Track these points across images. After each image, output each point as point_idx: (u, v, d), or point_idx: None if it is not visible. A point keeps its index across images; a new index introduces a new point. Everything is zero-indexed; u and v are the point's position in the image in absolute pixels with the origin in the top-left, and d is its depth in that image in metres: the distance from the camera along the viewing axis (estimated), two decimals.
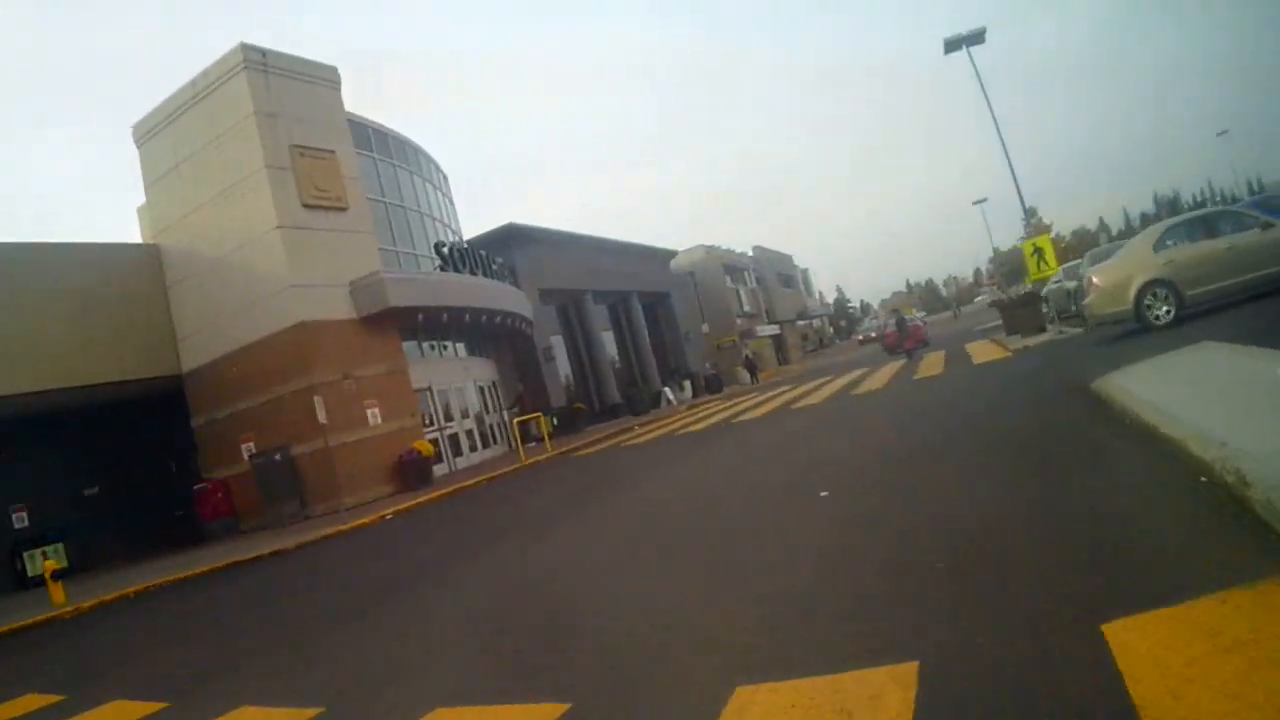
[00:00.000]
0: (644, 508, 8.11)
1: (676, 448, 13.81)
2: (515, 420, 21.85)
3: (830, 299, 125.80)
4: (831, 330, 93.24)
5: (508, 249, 29.29)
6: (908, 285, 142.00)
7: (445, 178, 28.10)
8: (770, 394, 23.04)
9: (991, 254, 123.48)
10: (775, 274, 72.92)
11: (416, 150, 25.21)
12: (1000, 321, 23.07)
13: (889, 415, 10.94)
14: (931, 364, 17.97)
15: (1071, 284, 19.32)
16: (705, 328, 51.67)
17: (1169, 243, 11.90)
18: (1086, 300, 12.84)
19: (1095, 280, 12.53)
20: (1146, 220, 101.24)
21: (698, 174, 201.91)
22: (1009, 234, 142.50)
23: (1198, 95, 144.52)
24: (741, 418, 16.63)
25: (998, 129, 20.66)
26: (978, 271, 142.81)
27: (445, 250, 22.82)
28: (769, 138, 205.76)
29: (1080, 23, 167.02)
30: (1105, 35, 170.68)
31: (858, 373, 22.15)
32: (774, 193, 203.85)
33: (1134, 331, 12.26)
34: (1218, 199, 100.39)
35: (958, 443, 7.05)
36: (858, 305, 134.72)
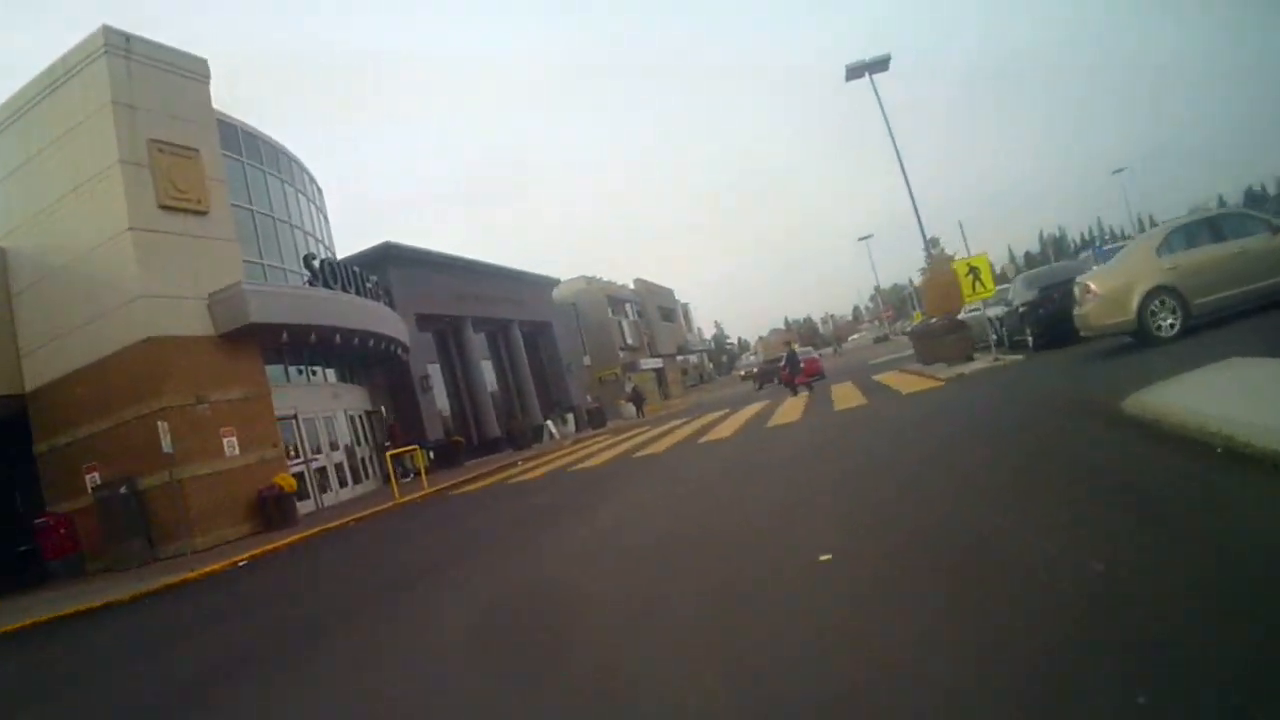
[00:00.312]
0: (542, 594, 5.63)
1: (572, 489, 12.55)
2: (388, 454, 20.39)
3: (709, 334, 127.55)
4: (711, 365, 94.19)
5: (384, 269, 27.80)
6: (786, 322, 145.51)
7: (320, 191, 26.44)
8: (664, 428, 22.40)
9: (873, 291, 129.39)
10: (656, 307, 73.11)
11: (290, 158, 23.54)
12: (912, 351, 23.25)
13: (842, 452, 9.14)
14: (846, 395, 17.22)
15: (997, 311, 19.14)
16: (587, 360, 50.97)
17: (1173, 246, 10.92)
18: (1081, 310, 11.70)
19: (1093, 287, 11.42)
20: (1032, 260, 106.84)
21: (581, 204, 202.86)
22: (891, 272, 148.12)
23: (1094, 133, 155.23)
24: (641, 452, 15.79)
25: (899, 158, 20.90)
26: (857, 309, 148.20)
27: (316, 264, 21.11)
28: (653, 172, 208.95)
29: (980, 60, 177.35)
30: (1002, 74, 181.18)
31: (758, 406, 21.91)
32: (657, 226, 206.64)
33: (1126, 348, 11.28)
34: (1107, 237, 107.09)
35: (987, 491, 5.24)
36: (735, 341, 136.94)
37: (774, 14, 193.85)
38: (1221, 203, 68.91)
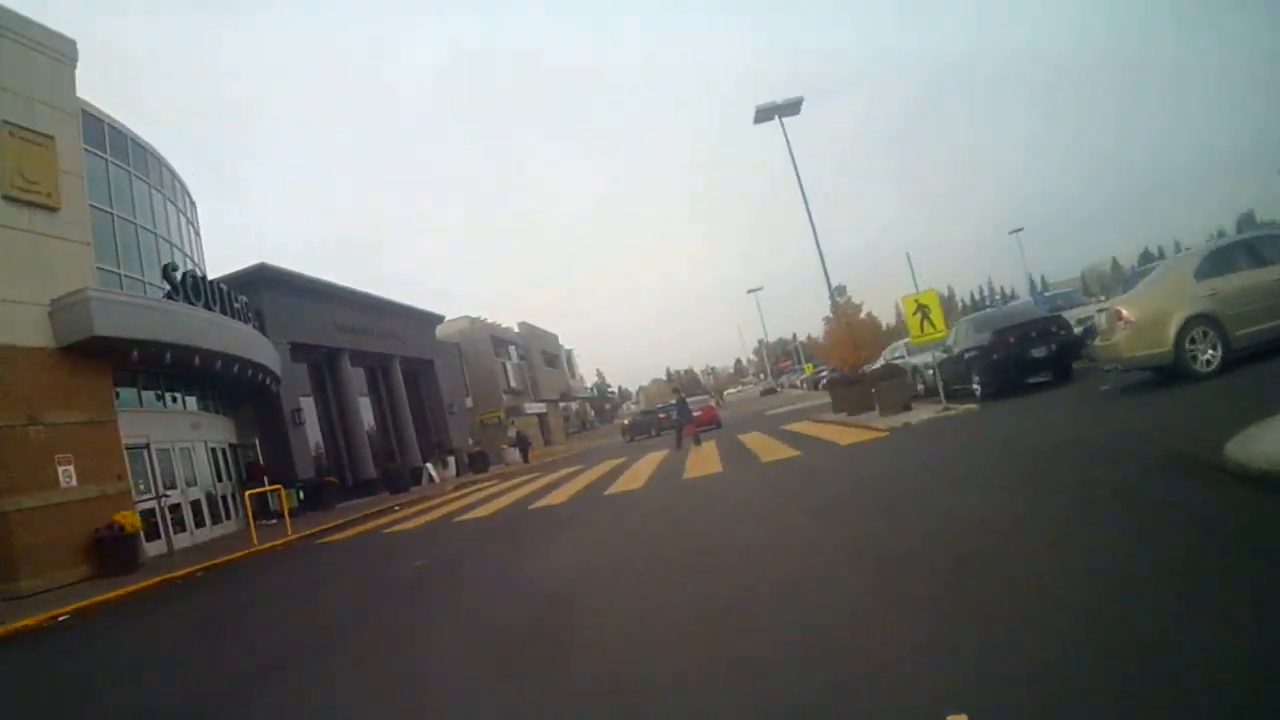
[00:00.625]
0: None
1: (458, 547, 10.76)
2: (247, 493, 18.47)
3: (591, 382, 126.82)
4: (593, 413, 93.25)
5: (257, 293, 25.77)
6: (668, 373, 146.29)
7: (193, 204, 24.36)
8: (556, 475, 21.20)
9: (757, 344, 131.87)
10: (540, 352, 71.93)
11: (161, 163, 21.51)
12: (813, 403, 22.88)
13: (796, 510, 7.66)
14: (765, 446, 15.79)
15: (925, 358, 18.58)
16: (470, 402, 49.25)
17: (1212, 270, 9.84)
18: (1109, 340, 10.49)
19: (1126, 314, 10.13)
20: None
21: (468, 243, 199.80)
22: (776, 326, 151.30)
23: (992, 194, 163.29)
24: (537, 503, 14.31)
25: (806, 205, 20.75)
26: (739, 362, 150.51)
27: (177, 276, 18.92)
28: (541, 218, 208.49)
29: (881, 116, 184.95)
30: (903, 131, 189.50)
31: (659, 455, 21.03)
32: (543, 271, 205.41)
33: (1143, 385, 10.34)
34: (996, 297, 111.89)
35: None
36: (616, 390, 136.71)
37: (665, 63, 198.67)
38: (1115, 265, 73.29)
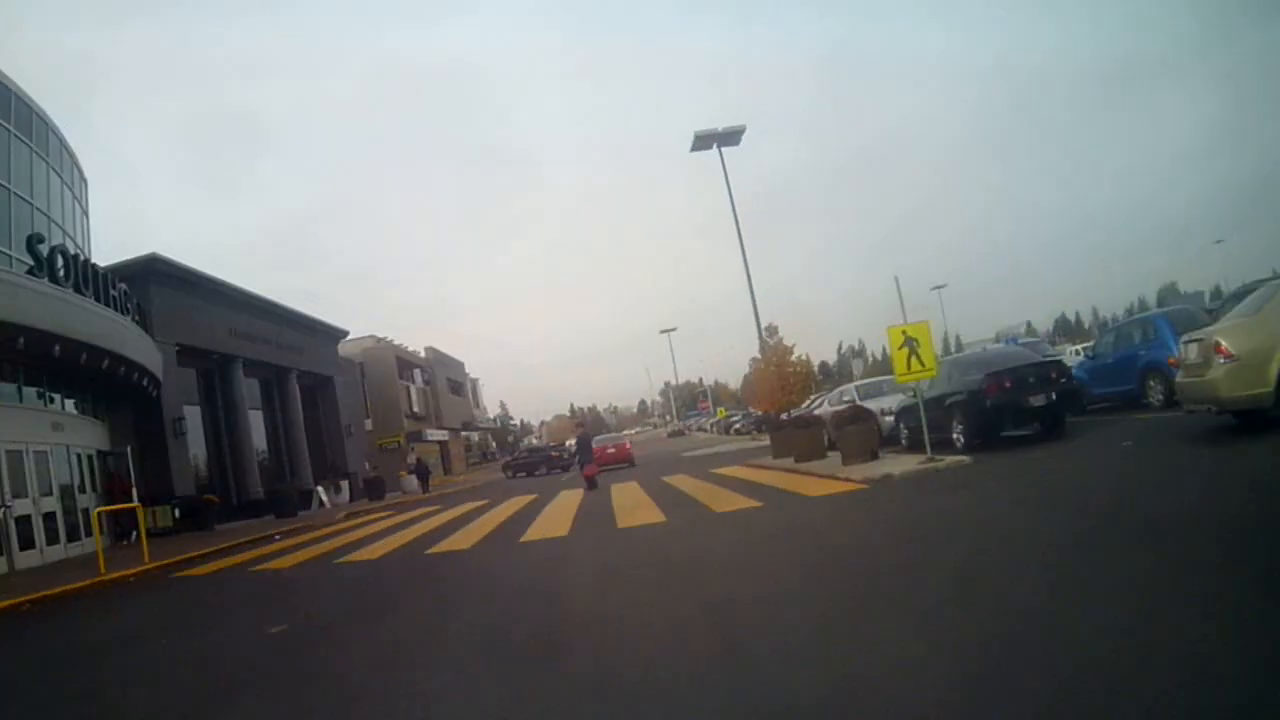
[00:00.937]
0: None
1: (334, 609, 7.95)
2: (96, 510, 16.18)
3: (494, 413, 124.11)
4: (495, 445, 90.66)
5: (145, 286, 23.34)
6: (572, 409, 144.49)
7: (84, 181, 21.91)
8: (458, 510, 19.11)
9: (664, 385, 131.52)
10: (446, 379, 69.62)
11: (50, 128, 19.14)
12: (729, 447, 21.69)
13: (821, 593, 5.42)
14: (705, 492, 13.82)
15: (890, 401, 17.15)
16: (370, 424, 46.72)
17: None
18: (1206, 377, 8.91)
19: (1227, 346, 8.64)
20: (826, 370, 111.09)
21: (380, 263, 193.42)
22: (689, 369, 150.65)
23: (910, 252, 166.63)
24: (438, 546, 11.95)
25: (740, 239, 19.88)
26: (643, 403, 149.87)
27: (44, 249, 16.45)
28: (457, 245, 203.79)
29: (817, 160, 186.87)
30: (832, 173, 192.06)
31: (577, 493, 18.98)
32: (453, 299, 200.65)
33: (1218, 432, 9.21)
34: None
35: None
36: (519, 423, 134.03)
37: (593, 98, 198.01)
38: (1030, 330, 75.23)
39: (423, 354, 64.31)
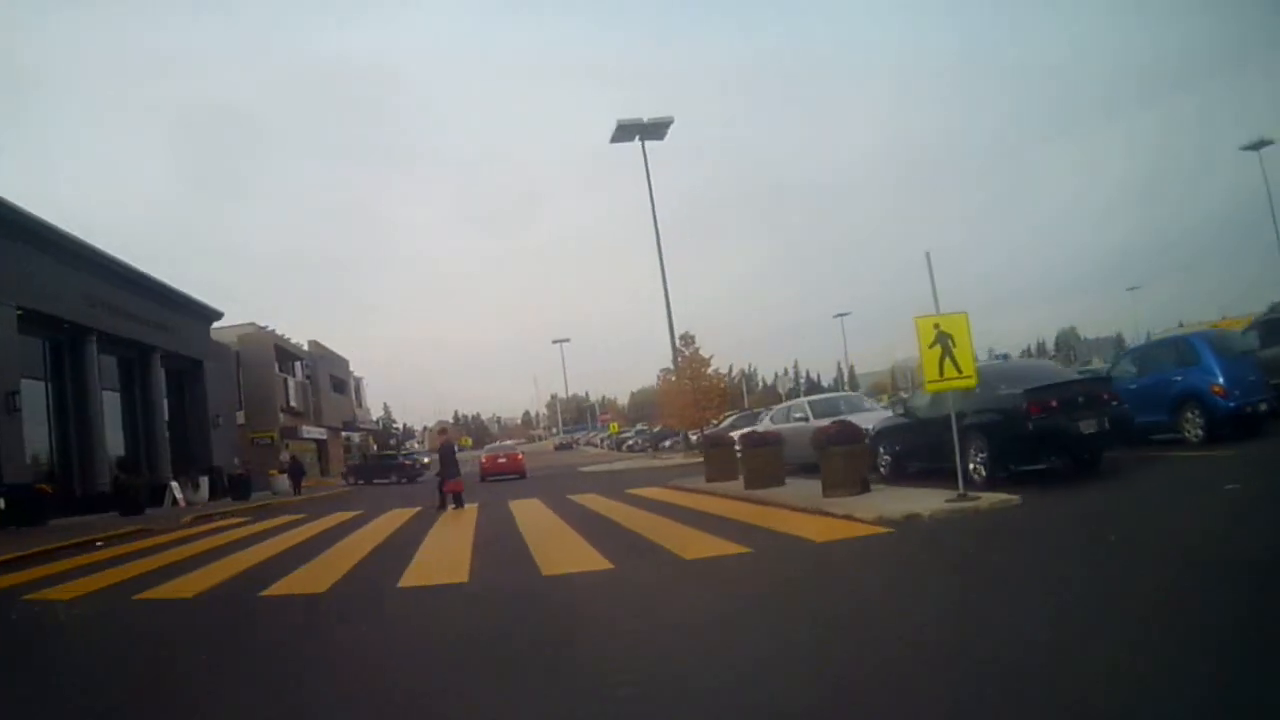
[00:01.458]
0: None
1: (95, 684, 5.10)
2: None
3: (376, 415, 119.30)
4: (375, 447, 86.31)
5: None
6: (456, 417, 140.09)
7: None
8: (326, 522, 16.37)
9: (550, 398, 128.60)
10: (329, 375, 65.51)
11: None
12: (620, 464, 19.91)
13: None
14: (647, 525, 10.90)
15: (874, 418, 15.06)
16: (241, 417, 42.92)
17: None
18: None
19: None
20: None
21: (267, 248, 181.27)
22: (577, 382, 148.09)
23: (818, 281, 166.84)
24: (279, 583, 8.49)
25: (658, 241, 18.30)
26: (528, 414, 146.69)
27: None
28: (349, 238, 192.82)
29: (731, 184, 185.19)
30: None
31: (470, 514, 15.67)
32: (343, 293, 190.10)
33: None
34: (803, 381, 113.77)
35: None
36: (402, 427, 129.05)
37: (502, 86, 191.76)
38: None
39: (306, 347, 60.32)
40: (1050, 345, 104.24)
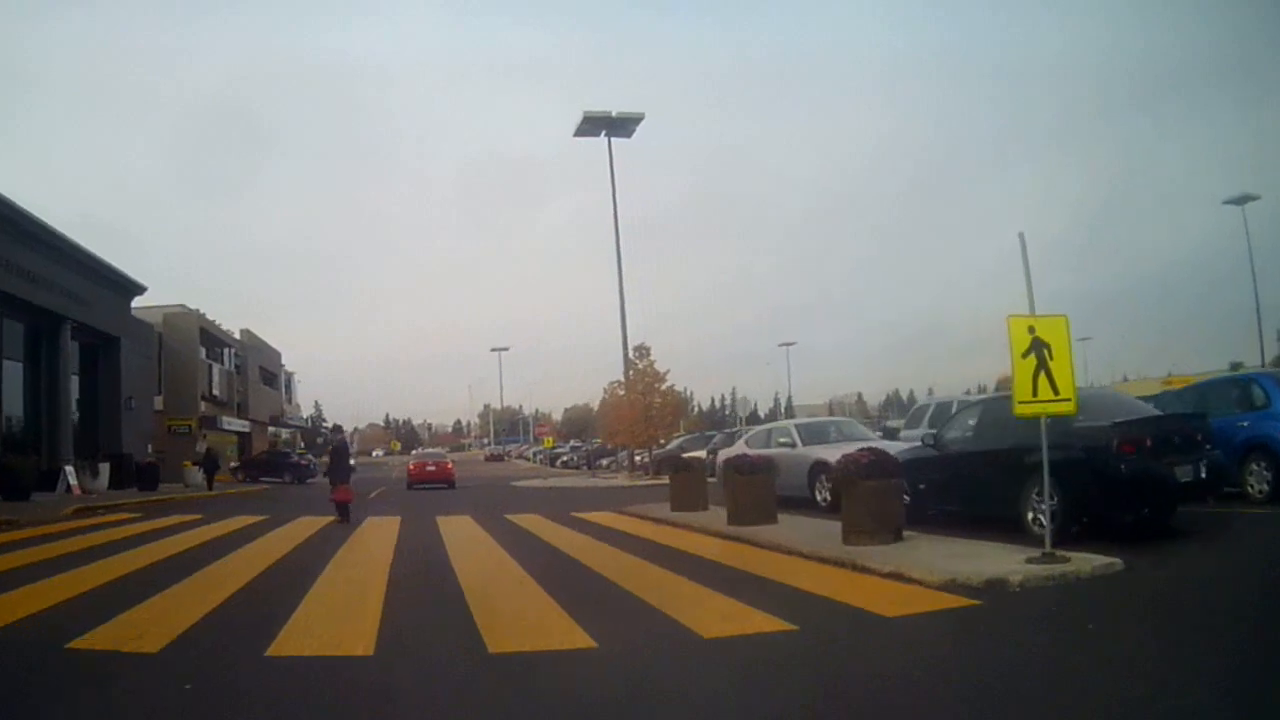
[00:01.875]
0: None
1: None
2: None
3: (307, 412, 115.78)
4: (304, 445, 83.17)
5: None
6: (387, 420, 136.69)
7: None
8: (218, 528, 14.21)
9: (483, 408, 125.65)
10: (259, 367, 62.81)
11: None
12: (552, 479, 18.44)
13: None
14: (622, 568, 8.59)
15: (894, 445, 12.54)
16: (159, 402, 40.39)
17: None
18: None
19: None
20: (712, 416, 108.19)
21: (206, 230, 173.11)
22: (512, 394, 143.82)
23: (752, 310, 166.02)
24: (105, 629, 5.77)
25: (617, 241, 17.05)
26: (459, 423, 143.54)
27: None
28: (300, 226, 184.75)
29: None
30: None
31: (382, 528, 13.87)
32: (280, 282, 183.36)
33: None
34: (750, 414, 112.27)
35: None
36: (330, 425, 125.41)
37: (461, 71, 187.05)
38: (860, 401, 76.29)
39: (237, 335, 57.69)
40: (990, 386, 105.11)
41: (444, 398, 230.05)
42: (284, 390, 73.88)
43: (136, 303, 35.78)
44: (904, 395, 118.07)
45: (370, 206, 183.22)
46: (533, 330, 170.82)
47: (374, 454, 76.29)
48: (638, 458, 32.92)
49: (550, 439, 62.13)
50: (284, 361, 74.40)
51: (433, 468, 33.24)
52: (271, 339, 66.95)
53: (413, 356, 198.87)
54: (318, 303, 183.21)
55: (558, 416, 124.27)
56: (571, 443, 66.17)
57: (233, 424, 47.33)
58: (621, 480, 29.96)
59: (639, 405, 27.64)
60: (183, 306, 42.66)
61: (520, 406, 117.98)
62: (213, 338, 45.65)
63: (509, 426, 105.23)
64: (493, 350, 79.06)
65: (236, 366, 56.95)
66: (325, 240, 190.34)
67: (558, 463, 56.39)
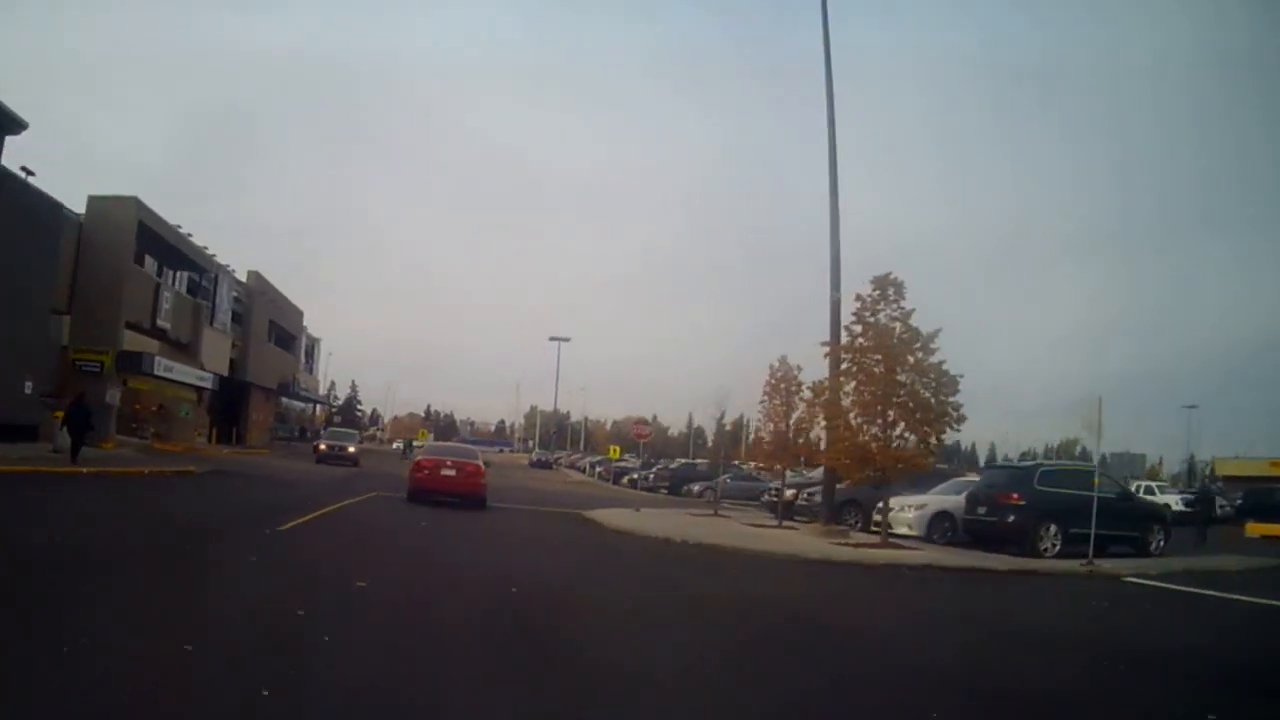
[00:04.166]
0: None
1: None
2: None
3: (342, 392, 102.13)
4: (325, 423, 68.61)
5: None
6: (428, 412, 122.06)
7: None
8: None
9: (529, 409, 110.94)
10: (270, 320, 48.41)
11: None
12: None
13: None
14: None
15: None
16: (67, 325, 25.78)
17: None
18: None
19: None
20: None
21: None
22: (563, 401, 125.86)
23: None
24: None
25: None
26: (502, 423, 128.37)
27: None
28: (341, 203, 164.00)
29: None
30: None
31: None
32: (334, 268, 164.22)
33: None
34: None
35: None
36: (368, 411, 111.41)
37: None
38: None
39: (241, 277, 43.28)
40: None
41: (490, 395, 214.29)
42: (302, 357, 59.34)
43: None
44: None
45: (434, 190, 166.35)
46: (587, 335, 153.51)
47: (394, 445, 61.03)
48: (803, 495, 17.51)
49: (617, 449, 46.53)
50: (308, 324, 60.07)
51: (451, 470, 18.03)
52: (312, 313, 52.74)
53: (461, 349, 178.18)
54: (364, 281, 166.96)
55: (607, 428, 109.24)
56: (651, 459, 50.11)
57: (184, 374, 31.84)
58: (831, 541, 14.26)
59: (873, 410, 12.62)
60: (134, 199, 27.62)
61: (569, 414, 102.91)
62: (161, 243, 30.38)
63: (556, 433, 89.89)
64: (551, 339, 64.25)
65: (236, 312, 42.51)
66: (384, 220, 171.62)
67: (624, 480, 40.71)
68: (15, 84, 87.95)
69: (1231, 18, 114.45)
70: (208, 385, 34.31)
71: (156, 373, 28.32)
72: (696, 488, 33.19)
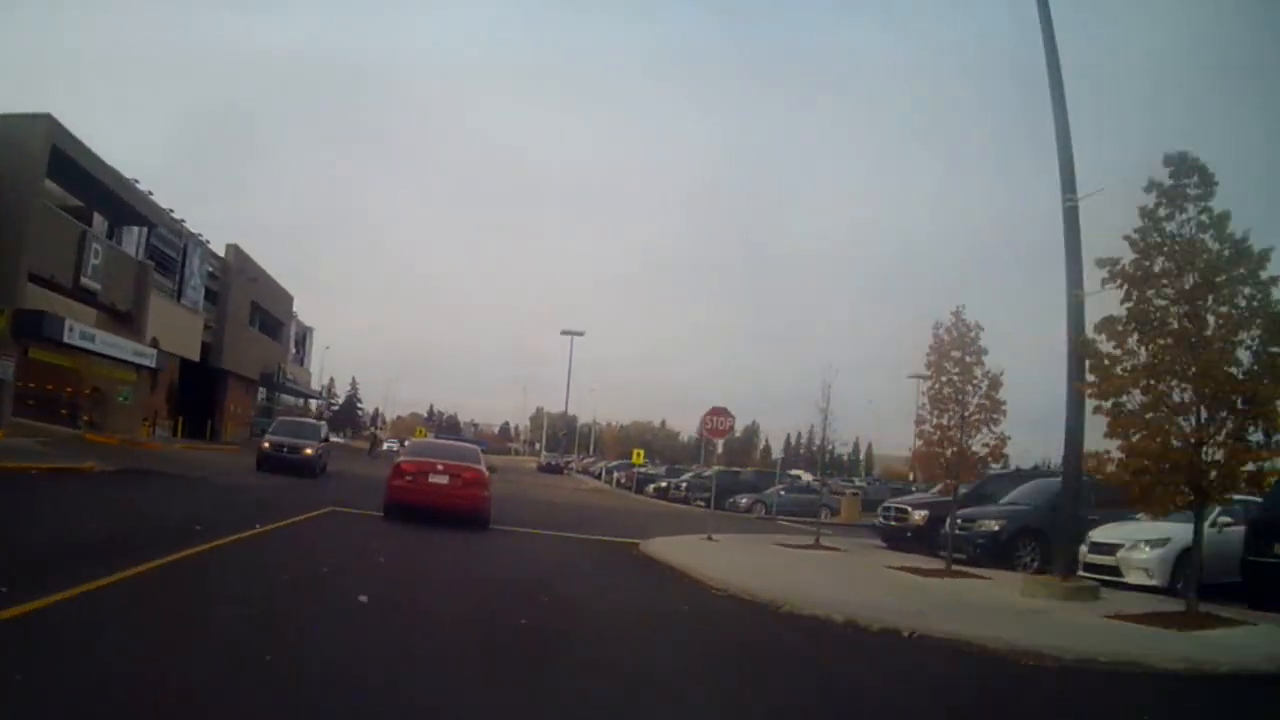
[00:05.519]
0: None
1: None
2: None
3: (341, 389, 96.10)
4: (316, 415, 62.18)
5: None
6: (431, 411, 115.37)
7: None
8: None
9: (535, 411, 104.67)
10: (252, 302, 42.16)
11: None
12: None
13: None
14: None
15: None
16: None
17: None
18: None
19: None
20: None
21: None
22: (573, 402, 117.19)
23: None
24: None
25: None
26: (507, 425, 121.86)
27: None
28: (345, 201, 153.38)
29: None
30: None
31: None
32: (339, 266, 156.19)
33: None
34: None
35: None
36: (369, 411, 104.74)
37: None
38: None
39: (215, 248, 37.14)
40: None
41: (495, 397, 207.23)
42: (292, 347, 53.03)
43: None
44: None
45: (434, 190, 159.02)
46: (592, 336, 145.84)
47: (385, 445, 54.14)
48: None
49: (640, 452, 40.17)
50: (300, 314, 53.77)
51: (443, 477, 11.79)
52: (313, 312, 46.34)
53: (463, 350, 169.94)
54: (365, 281, 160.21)
55: (615, 430, 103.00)
56: (687, 467, 42.78)
57: (115, 348, 24.97)
58: (1106, 616, 7.65)
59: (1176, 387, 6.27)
60: (47, 117, 21.23)
61: (576, 416, 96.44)
62: (106, 192, 23.98)
63: (564, 435, 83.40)
64: (563, 333, 58.02)
65: (212, 290, 36.34)
66: (386, 220, 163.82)
67: (649, 489, 34.26)
68: (15, 84, 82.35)
69: (1231, 19, 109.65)
70: (148, 363, 26.85)
71: (69, 340, 21.43)
72: (744, 500, 26.65)
